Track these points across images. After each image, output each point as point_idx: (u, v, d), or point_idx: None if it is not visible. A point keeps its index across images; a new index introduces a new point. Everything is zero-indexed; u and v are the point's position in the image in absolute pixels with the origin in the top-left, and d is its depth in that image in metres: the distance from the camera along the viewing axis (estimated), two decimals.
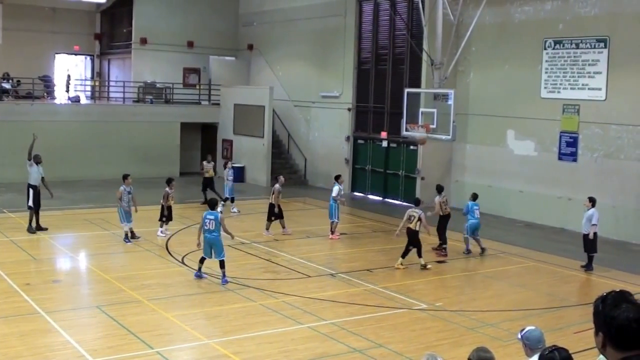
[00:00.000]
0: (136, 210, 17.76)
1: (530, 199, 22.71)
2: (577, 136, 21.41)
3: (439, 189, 18.19)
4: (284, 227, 19.43)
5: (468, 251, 17.79)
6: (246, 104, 30.54)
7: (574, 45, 21.44)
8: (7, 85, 30.35)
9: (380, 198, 27.28)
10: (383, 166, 27.37)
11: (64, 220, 20.45)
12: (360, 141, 28.54)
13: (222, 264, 14.16)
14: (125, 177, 17.83)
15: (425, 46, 22.46)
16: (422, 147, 24.04)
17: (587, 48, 21.08)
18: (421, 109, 20.38)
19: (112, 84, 35.22)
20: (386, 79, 27.29)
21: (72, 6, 34.56)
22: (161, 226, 18.64)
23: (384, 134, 27.24)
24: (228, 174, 22.71)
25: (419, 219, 15.86)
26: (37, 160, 18.60)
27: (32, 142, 18.60)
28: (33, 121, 25.67)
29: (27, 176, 18.67)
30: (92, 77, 36.64)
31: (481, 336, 11.40)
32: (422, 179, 25.00)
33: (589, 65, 21.05)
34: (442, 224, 17.80)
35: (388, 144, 27.16)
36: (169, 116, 30.80)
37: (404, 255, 16.04)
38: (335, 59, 29.06)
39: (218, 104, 32.50)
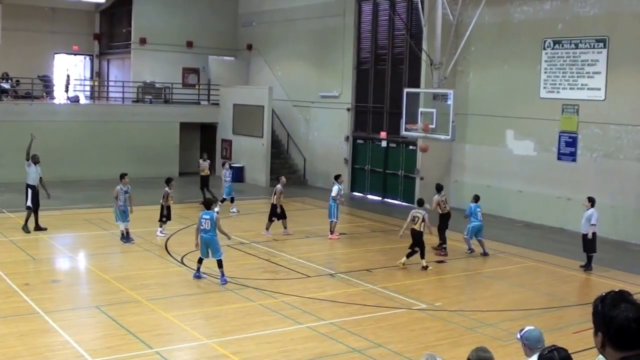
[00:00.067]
0: (131, 211, 17.71)
1: (529, 199, 22.71)
2: (577, 136, 21.42)
3: (438, 188, 18.20)
4: (285, 228, 19.41)
5: (471, 250, 17.77)
6: (245, 104, 30.54)
7: (573, 45, 21.45)
8: (6, 85, 30.34)
9: (380, 198, 27.28)
10: (382, 166, 27.37)
11: (63, 220, 20.44)
12: (359, 141, 28.54)
13: (219, 264, 14.16)
14: (122, 176, 17.78)
15: (424, 46, 22.46)
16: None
17: (587, 48, 21.08)
18: (420, 109, 20.37)
19: (111, 84, 35.20)
20: (385, 79, 27.29)
21: (72, 6, 34.56)
22: (160, 226, 18.63)
23: (383, 134, 27.25)
24: (225, 175, 22.67)
25: (423, 220, 15.85)
26: (35, 160, 18.59)
27: (30, 142, 18.59)
28: (32, 121, 25.66)
29: (26, 176, 18.68)
30: (92, 77, 36.63)
31: (480, 336, 11.39)
32: (422, 179, 25.00)
33: (588, 65, 21.06)
34: (443, 223, 17.80)
35: (387, 144, 27.17)
36: (168, 116, 30.79)
37: (408, 256, 16.01)
38: (334, 59, 29.06)
39: (217, 104, 32.50)
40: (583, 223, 16.42)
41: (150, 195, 21.37)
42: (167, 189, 18.63)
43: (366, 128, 28.31)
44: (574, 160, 21.49)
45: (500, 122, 23.52)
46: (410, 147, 25.75)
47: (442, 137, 19.35)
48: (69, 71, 35.22)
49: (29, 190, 18.45)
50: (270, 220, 19.34)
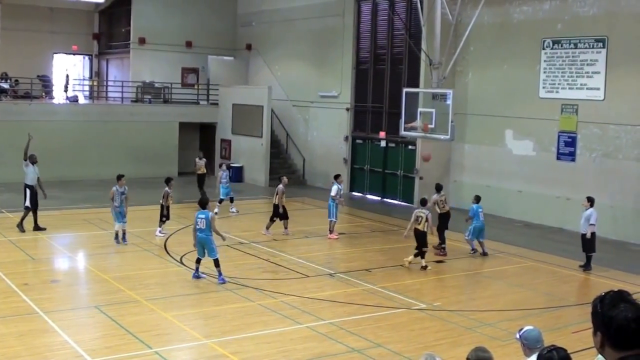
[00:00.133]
0: (126, 213, 17.60)
1: (528, 199, 22.71)
2: (576, 136, 21.42)
3: (438, 188, 18.20)
4: (286, 228, 19.40)
5: (474, 250, 17.76)
6: (245, 103, 30.53)
7: (572, 45, 21.45)
8: (5, 85, 30.34)
9: (379, 198, 27.28)
10: (381, 166, 27.37)
11: (62, 220, 20.43)
12: (358, 141, 28.54)
13: (216, 263, 14.15)
14: (119, 177, 17.73)
15: (423, 46, 22.47)
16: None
17: (586, 48, 21.09)
18: (420, 109, 20.38)
19: (110, 83, 35.17)
20: (385, 79, 27.28)
21: (71, 6, 34.54)
22: (160, 226, 18.62)
23: (382, 134, 27.24)
24: (222, 176, 22.35)
25: (427, 220, 15.84)
26: (33, 160, 18.58)
27: (28, 142, 18.59)
28: (31, 121, 25.62)
29: (24, 176, 18.67)
30: (91, 77, 36.61)
31: (480, 336, 11.40)
32: (421, 178, 25.01)
33: (587, 65, 21.06)
34: (442, 223, 17.78)
35: (386, 143, 27.16)
36: (167, 116, 30.78)
37: (416, 255, 15.93)
38: (333, 59, 29.06)
39: (216, 104, 32.49)
40: (582, 223, 16.42)
41: (149, 195, 21.37)
42: (167, 188, 18.61)
43: (365, 128, 28.31)
44: (573, 160, 21.50)
45: (500, 122, 23.52)
46: (410, 147, 25.75)
47: (442, 137, 19.37)
48: (68, 71, 35.24)
49: (27, 191, 18.44)
50: (272, 220, 19.33)
